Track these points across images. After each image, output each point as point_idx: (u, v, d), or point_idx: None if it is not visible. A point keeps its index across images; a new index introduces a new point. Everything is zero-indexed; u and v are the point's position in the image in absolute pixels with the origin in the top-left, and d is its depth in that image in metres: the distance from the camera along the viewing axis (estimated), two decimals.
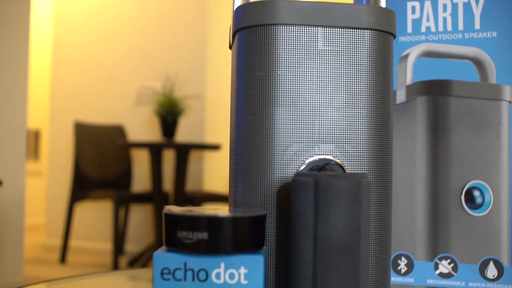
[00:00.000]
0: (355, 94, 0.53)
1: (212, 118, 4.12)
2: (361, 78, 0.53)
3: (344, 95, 0.52)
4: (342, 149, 0.52)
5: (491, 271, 0.75)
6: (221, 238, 0.43)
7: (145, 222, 4.16)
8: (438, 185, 0.76)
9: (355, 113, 0.52)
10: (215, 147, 3.55)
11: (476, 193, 0.76)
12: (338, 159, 0.52)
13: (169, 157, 4.05)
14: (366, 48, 0.53)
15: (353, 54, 0.53)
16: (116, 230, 3.47)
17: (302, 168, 0.51)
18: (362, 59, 0.53)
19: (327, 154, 0.52)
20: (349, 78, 0.52)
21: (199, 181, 4.04)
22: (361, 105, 0.53)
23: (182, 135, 4.06)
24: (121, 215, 3.55)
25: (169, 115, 3.62)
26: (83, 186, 3.73)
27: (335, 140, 0.52)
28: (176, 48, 4.13)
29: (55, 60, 4.50)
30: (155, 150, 3.48)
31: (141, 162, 4.16)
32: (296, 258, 0.45)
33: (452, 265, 0.75)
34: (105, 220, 4.30)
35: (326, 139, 0.52)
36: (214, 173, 4.15)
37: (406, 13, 0.80)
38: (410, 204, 0.77)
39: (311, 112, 0.52)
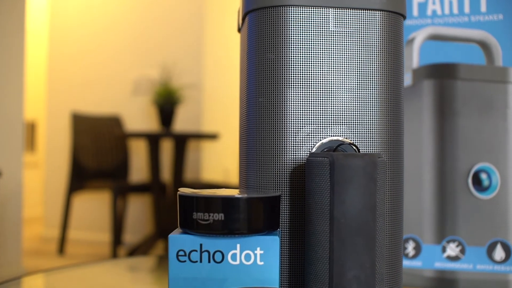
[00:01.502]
0: (367, 75, 0.52)
1: (210, 107, 4.11)
2: (373, 60, 0.53)
3: (356, 77, 0.52)
4: (353, 130, 0.52)
5: (499, 254, 0.75)
6: (237, 219, 0.43)
7: (143, 212, 4.16)
8: (445, 168, 0.76)
9: (367, 95, 0.52)
10: (213, 137, 3.54)
11: (483, 175, 0.76)
12: (350, 140, 0.52)
13: (167, 147, 4.05)
14: (377, 29, 0.53)
15: (364, 35, 0.53)
16: (115, 221, 3.46)
17: (314, 149, 0.51)
18: (373, 40, 0.53)
19: (339, 136, 0.52)
20: (360, 59, 0.52)
21: (197, 170, 4.04)
22: (373, 86, 0.52)
23: (180, 124, 4.06)
24: (119, 206, 3.54)
25: (166, 104, 3.61)
26: (80, 177, 3.72)
27: (347, 121, 0.52)
28: (173, 38, 4.11)
29: (51, 50, 4.48)
30: (153, 140, 3.47)
31: (138, 152, 4.16)
32: (312, 238, 0.45)
33: (459, 248, 0.76)
34: (103, 210, 4.30)
35: (338, 121, 0.52)
36: (212, 162, 4.14)
37: None
38: (417, 187, 0.77)
39: (323, 94, 0.52)
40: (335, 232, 0.43)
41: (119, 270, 0.92)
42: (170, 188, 3.61)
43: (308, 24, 0.52)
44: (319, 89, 0.52)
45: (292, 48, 0.52)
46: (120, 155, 3.94)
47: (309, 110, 0.51)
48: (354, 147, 0.50)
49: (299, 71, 0.51)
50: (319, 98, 0.52)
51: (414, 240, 0.77)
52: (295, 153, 0.51)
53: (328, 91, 0.52)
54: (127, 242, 4.09)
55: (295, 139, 0.51)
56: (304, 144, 0.51)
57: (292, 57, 0.52)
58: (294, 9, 0.52)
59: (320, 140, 0.51)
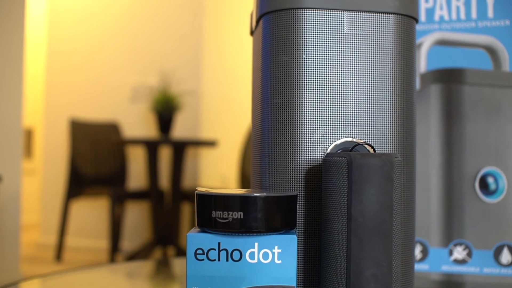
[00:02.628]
0: (380, 78, 0.53)
1: (208, 114, 4.12)
2: (386, 62, 0.53)
3: (369, 79, 0.53)
4: (367, 133, 0.53)
5: (506, 257, 0.75)
6: (256, 217, 0.44)
7: (141, 219, 4.16)
8: (452, 172, 0.77)
9: (380, 98, 0.53)
10: (211, 144, 3.55)
11: (490, 179, 0.76)
12: (364, 141, 0.52)
13: (165, 154, 4.05)
14: (390, 32, 0.54)
15: (378, 38, 0.53)
16: (113, 228, 3.46)
17: (328, 150, 0.52)
18: (387, 43, 0.53)
19: (354, 137, 0.52)
20: (374, 62, 0.53)
21: (195, 177, 4.04)
22: (386, 89, 0.53)
23: (178, 131, 4.06)
24: (117, 212, 3.54)
25: (165, 111, 3.62)
26: (78, 183, 3.72)
27: (360, 124, 0.52)
28: (171, 45, 4.12)
29: (49, 57, 4.49)
30: (151, 147, 3.47)
31: (136, 159, 4.16)
32: (329, 236, 0.45)
33: (466, 251, 0.76)
34: (100, 217, 4.29)
35: (352, 122, 0.52)
36: (211, 169, 4.15)
37: (419, 2, 0.80)
38: (424, 190, 0.78)
39: (337, 96, 0.52)
40: (352, 231, 0.44)
41: (117, 275, 0.92)
42: (168, 195, 3.61)
43: (322, 27, 0.52)
44: (333, 91, 0.52)
45: (307, 50, 0.52)
46: (118, 162, 3.94)
47: (324, 111, 0.52)
48: (370, 147, 0.50)
49: (313, 73, 0.52)
50: (333, 100, 0.52)
51: (421, 243, 0.77)
52: (310, 154, 0.52)
53: (341, 94, 0.52)
54: (125, 249, 4.08)
55: (310, 140, 0.52)
56: (319, 146, 0.52)
57: (307, 60, 0.52)
58: (309, 11, 0.52)
59: (335, 141, 0.52)
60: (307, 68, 0.52)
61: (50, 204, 4.43)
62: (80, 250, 4.26)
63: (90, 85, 4.33)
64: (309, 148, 0.52)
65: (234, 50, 4.35)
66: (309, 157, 0.52)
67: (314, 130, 0.52)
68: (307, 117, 0.52)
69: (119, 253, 3.64)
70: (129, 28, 4.25)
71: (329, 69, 0.52)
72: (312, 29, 0.52)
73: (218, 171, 4.22)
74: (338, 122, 0.52)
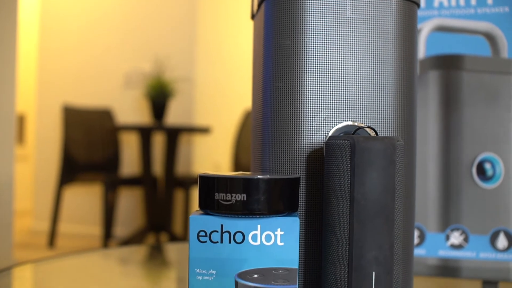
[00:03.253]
0: (383, 62, 0.53)
1: (202, 101, 4.11)
2: (388, 47, 0.53)
3: (372, 63, 0.53)
4: (369, 115, 0.53)
5: (502, 242, 0.76)
6: (259, 200, 0.44)
7: (134, 205, 4.16)
8: (450, 158, 0.77)
9: (381, 81, 0.53)
10: (205, 130, 3.54)
11: (487, 165, 0.77)
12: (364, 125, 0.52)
13: (158, 140, 4.04)
14: (392, 17, 0.54)
15: (380, 23, 0.53)
16: (106, 214, 3.46)
17: (330, 134, 0.52)
18: (389, 27, 0.53)
19: (355, 121, 0.52)
20: (376, 46, 0.53)
21: (189, 164, 4.04)
22: (388, 73, 0.53)
23: (172, 118, 4.05)
24: (110, 199, 3.54)
25: (159, 97, 3.61)
26: (71, 170, 3.71)
27: (363, 107, 0.53)
28: (166, 31, 4.10)
29: (42, 42, 4.46)
30: (144, 133, 3.47)
31: (130, 145, 4.15)
32: (331, 219, 0.45)
33: (463, 236, 0.77)
34: (93, 203, 4.29)
35: (354, 106, 0.52)
36: (204, 156, 4.14)
37: None
38: (422, 176, 0.78)
39: (339, 80, 0.52)
40: (355, 214, 0.44)
41: (109, 260, 0.92)
42: (161, 181, 3.60)
43: (325, 10, 0.52)
44: (335, 75, 0.52)
45: (309, 34, 0.52)
46: (111, 148, 3.93)
47: (325, 95, 0.52)
48: (372, 130, 0.51)
49: (315, 57, 0.52)
50: (335, 84, 0.52)
51: (419, 228, 0.78)
52: (311, 138, 0.52)
53: (343, 78, 0.52)
54: (118, 235, 4.09)
55: (311, 124, 0.52)
56: (320, 129, 0.52)
57: (309, 43, 0.52)
58: None
59: (336, 124, 0.52)
60: (309, 51, 0.52)
61: (43, 190, 4.42)
62: (73, 237, 4.26)
63: (83, 71, 4.31)
64: (311, 132, 0.52)
65: (229, 36, 4.34)
66: (311, 141, 0.52)
67: (316, 114, 0.52)
68: (309, 100, 0.52)
69: (112, 239, 3.64)
70: (123, 13, 4.23)
71: (331, 52, 0.52)
72: (314, 12, 0.52)
73: (212, 158, 4.22)
74: (340, 105, 0.52)
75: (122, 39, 4.22)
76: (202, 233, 0.45)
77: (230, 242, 0.45)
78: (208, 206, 0.45)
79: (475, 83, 0.78)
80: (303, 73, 0.52)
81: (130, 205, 4.16)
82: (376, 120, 0.53)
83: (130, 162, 4.16)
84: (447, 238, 0.77)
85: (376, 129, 0.52)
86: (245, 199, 0.44)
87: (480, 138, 0.77)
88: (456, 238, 0.77)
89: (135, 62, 4.16)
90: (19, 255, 3.54)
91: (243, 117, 3.84)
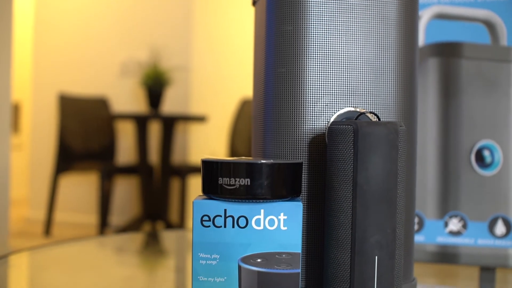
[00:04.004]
0: (384, 48, 0.53)
1: (198, 89, 4.10)
2: (390, 33, 0.53)
3: (374, 49, 0.53)
4: (370, 101, 0.53)
5: (500, 229, 0.76)
6: (262, 184, 0.44)
7: (130, 194, 4.16)
8: (449, 145, 0.78)
9: (384, 66, 0.53)
10: (201, 119, 3.54)
11: (486, 152, 0.77)
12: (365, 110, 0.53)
13: (154, 129, 4.04)
14: (394, 3, 0.54)
15: (381, 9, 0.53)
16: (102, 203, 3.46)
17: (332, 120, 0.52)
18: (390, 13, 0.53)
19: (356, 107, 0.53)
20: (378, 32, 0.53)
21: (185, 153, 4.04)
22: (390, 59, 0.53)
23: (168, 106, 4.05)
24: (105, 187, 3.54)
25: (155, 86, 3.60)
26: (67, 158, 3.71)
27: (365, 92, 0.53)
28: (161, 19, 4.09)
29: (37, 31, 4.44)
30: (140, 122, 3.46)
31: (125, 134, 4.14)
32: (334, 204, 0.46)
33: (461, 223, 0.77)
34: (89, 192, 4.29)
35: (356, 92, 0.53)
36: (200, 145, 4.14)
37: None
38: (421, 163, 0.79)
39: (341, 66, 0.52)
40: (358, 198, 0.44)
41: (105, 247, 0.92)
42: (157, 170, 3.61)
43: None
44: (337, 60, 0.52)
45: (311, 20, 0.52)
46: (107, 137, 3.93)
47: (327, 81, 0.52)
48: (375, 116, 0.51)
49: (317, 43, 0.52)
50: (337, 69, 0.52)
51: (417, 215, 0.78)
52: (314, 123, 0.52)
53: (346, 63, 0.52)
54: (114, 224, 4.09)
55: (314, 110, 0.52)
56: (322, 115, 0.52)
57: (311, 29, 0.52)
58: None
59: (338, 110, 0.52)
60: (311, 37, 0.52)
61: (39, 179, 4.41)
62: (69, 225, 4.26)
63: (79, 60, 4.29)
64: (313, 118, 0.52)
65: (225, 24, 4.33)
66: (313, 127, 0.52)
67: (318, 100, 0.52)
68: (311, 86, 0.52)
69: (108, 228, 3.65)
70: (119, 2, 4.21)
71: (333, 38, 0.52)
72: None
73: (208, 147, 4.22)
74: (342, 92, 0.52)
75: (118, 27, 4.20)
76: (205, 218, 0.45)
77: (233, 226, 0.45)
78: (212, 190, 0.45)
79: (474, 70, 0.78)
80: (305, 59, 0.52)
81: (126, 194, 4.16)
82: (377, 106, 0.53)
83: (126, 150, 4.16)
84: (446, 225, 0.78)
85: (378, 114, 0.53)
86: (248, 183, 0.44)
87: (479, 125, 0.77)
88: (454, 224, 0.77)
89: (131, 51, 4.15)
90: (15, 244, 3.54)
91: (239, 105, 3.84)
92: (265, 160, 0.44)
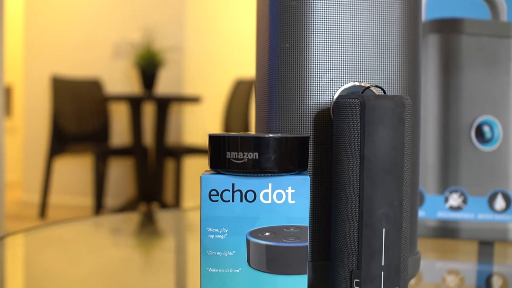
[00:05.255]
0: (388, 22, 0.53)
1: (192, 70, 4.09)
2: (394, 6, 0.53)
3: (378, 24, 0.53)
4: (375, 76, 0.53)
5: (499, 203, 0.77)
6: (270, 158, 0.44)
7: (124, 176, 4.16)
8: (449, 121, 0.78)
9: (388, 41, 0.53)
10: (195, 100, 3.53)
11: (486, 128, 0.78)
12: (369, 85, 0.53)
13: (148, 110, 4.03)
14: None
15: None
16: (97, 184, 3.46)
17: (337, 94, 0.52)
18: None
19: (361, 81, 0.53)
20: (382, 6, 0.53)
21: (179, 134, 4.03)
22: (394, 33, 0.53)
23: (162, 87, 4.04)
24: (100, 169, 3.53)
25: (148, 67, 3.59)
26: (61, 141, 3.70)
27: (369, 67, 0.53)
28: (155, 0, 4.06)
29: (28, 12, 4.40)
30: (134, 103, 3.45)
31: (119, 115, 4.13)
32: (341, 177, 0.46)
33: (462, 198, 0.78)
34: (84, 174, 4.29)
35: (361, 67, 0.53)
36: (194, 126, 4.14)
37: None
38: (421, 139, 0.79)
39: (346, 40, 0.52)
40: (365, 171, 0.44)
41: (101, 227, 0.92)
42: (151, 151, 3.60)
43: None
44: (342, 35, 0.52)
45: None
46: (101, 119, 3.92)
47: (332, 56, 0.52)
48: (380, 89, 0.51)
49: (322, 17, 0.52)
50: (342, 43, 0.52)
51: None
52: (318, 98, 0.52)
53: (351, 37, 0.52)
54: (109, 206, 4.09)
55: (318, 84, 0.52)
56: (327, 89, 0.52)
57: (315, 3, 0.52)
58: None
59: (343, 85, 0.52)
60: (316, 11, 0.52)
61: (32, 162, 4.40)
62: (64, 208, 4.26)
63: (71, 42, 4.26)
64: (318, 92, 0.52)
65: (218, 4, 4.30)
66: (318, 101, 0.52)
67: (322, 74, 0.52)
68: (316, 61, 0.52)
69: (103, 210, 3.65)
70: None
71: (339, 13, 0.52)
72: None
73: (202, 127, 4.22)
74: (346, 66, 0.52)
75: (110, 8, 4.17)
76: (213, 192, 0.46)
77: (241, 201, 0.46)
78: (219, 165, 0.46)
79: (475, 46, 0.78)
80: (309, 33, 0.52)
81: (121, 176, 4.16)
82: (382, 81, 0.53)
83: (120, 132, 4.15)
84: (446, 200, 0.78)
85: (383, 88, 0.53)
86: (257, 157, 0.44)
87: (479, 101, 0.78)
88: (454, 200, 0.78)
89: (124, 32, 4.12)
90: (11, 227, 3.54)
91: (233, 86, 3.84)
92: (273, 134, 0.44)
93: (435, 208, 0.78)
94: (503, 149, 0.77)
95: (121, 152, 3.65)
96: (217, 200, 0.46)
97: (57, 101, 3.70)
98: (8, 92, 5.89)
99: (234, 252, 0.46)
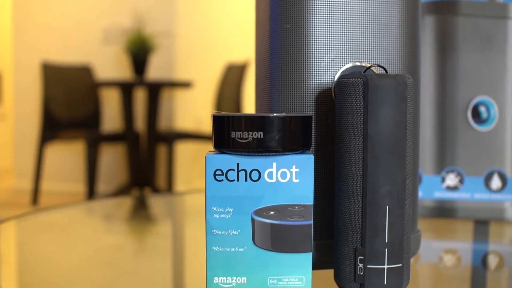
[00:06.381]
0: (389, 1, 0.54)
1: (183, 55, 4.08)
2: None
3: (378, 3, 0.53)
4: (375, 56, 0.53)
5: (495, 183, 0.78)
6: (275, 137, 0.45)
7: (116, 162, 4.15)
8: (445, 102, 0.79)
9: (388, 21, 0.54)
10: (186, 85, 3.53)
11: (482, 108, 0.78)
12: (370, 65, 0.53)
13: (139, 96, 4.02)
14: None
15: None
16: (89, 171, 3.45)
17: (338, 74, 0.53)
18: None
19: (362, 62, 0.53)
20: None
21: (170, 119, 4.03)
22: (394, 13, 0.54)
23: (153, 73, 4.02)
24: (92, 156, 3.53)
25: (139, 52, 3.57)
26: (52, 127, 3.68)
27: (369, 48, 0.53)
28: None
29: None
30: (125, 89, 3.44)
31: (110, 101, 4.12)
32: (345, 156, 0.47)
33: (458, 178, 0.78)
34: (75, 161, 4.28)
35: (361, 48, 0.53)
36: (185, 111, 4.14)
37: None
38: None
39: (346, 22, 0.53)
40: (368, 150, 0.45)
41: (94, 212, 0.93)
42: (143, 137, 3.60)
43: None
44: (343, 15, 0.53)
45: None
46: (92, 105, 3.90)
47: (333, 36, 0.53)
48: (382, 68, 0.51)
49: None
50: (343, 24, 0.53)
51: None
52: (320, 79, 0.52)
53: (351, 17, 0.53)
54: (102, 192, 4.09)
55: (319, 64, 0.52)
56: (328, 70, 0.53)
57: None
58: None
59: (343, 65, 0.53)
60: None
61: (24, 148, 4.38)
62: (56, 194, 4.25)
63: (61, 27, 4.23)
64: (319, 72, 0.52)
65: None
66: (319, 81, 0.52)
67: (323, 54, 0.52)
68: (316, 41, 0.52)
69: (96, 196, 3.65)
70: None
71: None
72: None
73: (194, 112, 4.21)
74: (347, 46, 0.53)
75: None
76: (218, 172, 0.46)
77: (246, 180, 0.46)
78: (224, 145, 0.46)
79: (471, 27, 0.78)
80: (309, 13, 0.52)
81: (113, 162, 4.16)
82: (382, 61, 0.54)
83: (111, 118, 4.14)
84: (443, 180, 0.79)
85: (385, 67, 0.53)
86: (261, 136, 0.45)
87: (475, 82, 0.78)
88: (451, 180, 0.79)
89: (114, 17, 4.10)
90: (3, 214, 3.53)
91: (224, 71, 3.83)
92: (277, 114, 0.45)
93: (432, 188, 0.79)
94: (499, 129, 0.78)
95: (113, 138, 3.65)
96: (222, 180, 0.46)
97: (47, 88, 3.68)
98: None
99: (239, 231, 0.46)
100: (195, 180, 4.30)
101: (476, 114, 0.78)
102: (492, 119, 0.78)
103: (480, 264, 0.64)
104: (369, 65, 0.53)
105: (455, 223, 0.80)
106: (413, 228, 0.57)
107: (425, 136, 0.79)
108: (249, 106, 4.66)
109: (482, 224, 0.79)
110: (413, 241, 0.56)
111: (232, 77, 3.75)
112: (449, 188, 0.79)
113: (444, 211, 0.79)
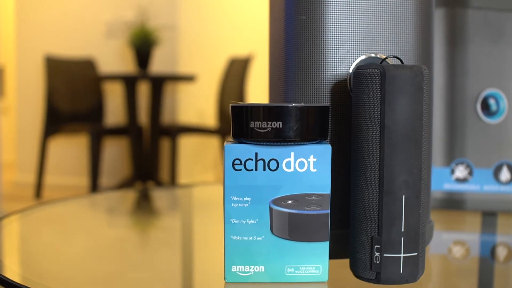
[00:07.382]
0: None
1: (186, 49, 4.08)
2: None
3: None
4: (390, 47, 0.54)
5: (505, 175, 0.79)
6: (294, 127, 0.45)
7: (120, 155, 4.16)
8: (455, 94, 0.79)
9: (403, 13, 0.54)
10: (189, 78, 3.53)
11: (491, 101, 0.79)
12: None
13: (143, 90, 4.02)
14: None
15: None
16: (93, 164, 3.46)
17: (353, 65, 0.53)
18: None
19: (377, 53, 0.54)
20: None
21: (174, 113, 4.03)
22: (409, 5, 0.54)
23: (157, 66, 4.02)
24: (95, 149, 3.53)
25: (143, 46, 3.57)
26: (55, 121, 3.69)
27: (384, 39, 0.54)
28: None
29: None
30: (129, 83, 3.44)
31: (114, 95, 4.12)
32: (362, 146, 0.47)
33: (467, 170, 0.79)
34: (79, 154, 4.28)
35: (375, 39, 0.54)
36: (189, 104, 4.14)
37: None
38: None
39: (362, 13, 0.53)
40: (385, 140, 0.45)
41: (97, 205, 0.93)
42: (146, 130, 3.60)
43: None
44: (358, 7, 0.53)
45: None
46: (95, 98, 3.91)
47: (349, 28, 0.53)
48: (398, 59, 0.52)
49: None
50: (357, 17, 0.53)
51: None
52: (335, 70, 0.53)
53: (366, 9, 0.53)
54: (105, 186, 4.10)
55: (335, 56, 0.53)
56: (344, 61, 0.53)
57: None
58: None
59: (359, 56, 0.53)
60: None
61: (27, 142, 4.39)
62: (60, 188, 4.26)
63: (64, 21, 4.23)
64: (335, 64, 0.53)
65: None
66: (335, 73, 0.53)
67: (339, 46, 0.53)
68: (332, 32, 0.53)
69: (99, 189, 3.66)
70: None
71: None
72: None
73: (197, 106, 4.22)
74: (362, 37, 0.53)
75: None
76: (237, 161, 0.47)
77: (264, 169, 0.47)
78: (242, 134, 0.47)
79: (481, 20, 0.79)
80: (325, 5, 0.53)
81: (116, 155, 4.17)
82: (397, 51, 0.54)
83: (114, 112, 4.14)
84: (452, 172, 0.80)
85: (401, 58, 0.54)
86: (280, 126, 0.45)
87: (484, 75, 0.79)
88: (461, 171, 0.79)
89: (117, 10, 4.10)
90: (6, 208, 3.54)
91: (227, 64, 3.83)
92: (295, 104, 0.45)
93: (441, 180, 0.80)
94: (509, 122, 0.79)
95: (116, 131, 3.65)
96: (241, 169, 0.47)
97: (50, 81, 3.69)
98: (0, 72, 5.85)
99: (257, 220, 0.47)
100: (198, 173, 4.31)
101: (485, 106, 0.79)
102: (502, 111, 0.79)
103: (489, 255, 0.65)
104: (384, 56, 0.53)
105: (464, 214, 0.81)
106: (427, 218, 0.57)
107: (434, 128, 0.80)
108: (252, 100, 4.67)
109: (490, 216, 0.80)
110: (427, 231, 0.57)
111: (236, 70, 3.76)
112: (458, 180, 0.79)
113: (453, 203, 0.80)
